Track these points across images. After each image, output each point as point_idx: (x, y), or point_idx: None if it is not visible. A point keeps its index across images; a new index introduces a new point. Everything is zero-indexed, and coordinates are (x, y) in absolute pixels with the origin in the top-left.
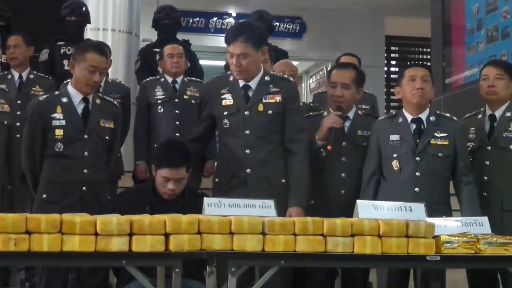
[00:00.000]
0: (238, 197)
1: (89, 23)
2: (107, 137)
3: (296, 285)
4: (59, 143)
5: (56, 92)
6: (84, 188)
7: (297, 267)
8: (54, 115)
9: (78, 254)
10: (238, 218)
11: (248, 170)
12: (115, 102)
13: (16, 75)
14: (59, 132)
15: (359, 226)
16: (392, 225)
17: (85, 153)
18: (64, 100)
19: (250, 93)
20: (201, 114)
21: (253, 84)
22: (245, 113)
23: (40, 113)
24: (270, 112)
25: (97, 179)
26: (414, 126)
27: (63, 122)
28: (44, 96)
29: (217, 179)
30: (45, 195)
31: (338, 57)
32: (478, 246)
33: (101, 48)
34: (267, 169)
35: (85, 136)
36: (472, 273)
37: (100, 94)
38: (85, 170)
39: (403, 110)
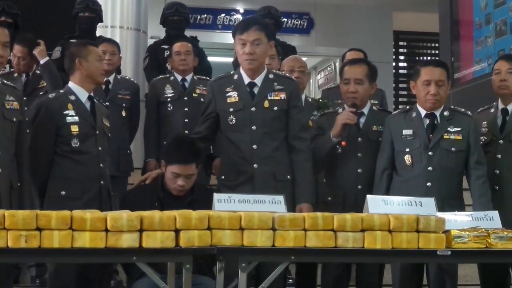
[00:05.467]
0: (245, 193)
1: (102, 21)
2: (109, 134)
3: (309, 280)
4: (75, 139)
5: (61, 91)
6: (102, 182)
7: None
8: (67, 112)
9: (89, 251)
10: (248, 214)
11: (255, 165)
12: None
13: (23, 74)
14: (74, 128)
15: (369, 221)
16: (402, 220)
17: (99, 148)
18: (72, 97)
19: (255, 90)
20: (203, 113)
21: (258, 81)
22: (252, 109)
23: (53, 110)
24: (275, 108)
25: (107, 173)
26: (427, 121)
27: (76, 119)
28: (53, 94)
29: (223, 177)
30: (64, 192)
31: (344, 53)
32: (489, 241)
33: (95, 39)
34: (273, 165)
35: (97, 132)
36: (483, 267)
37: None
38: (101, 165)
39: (417, 105)
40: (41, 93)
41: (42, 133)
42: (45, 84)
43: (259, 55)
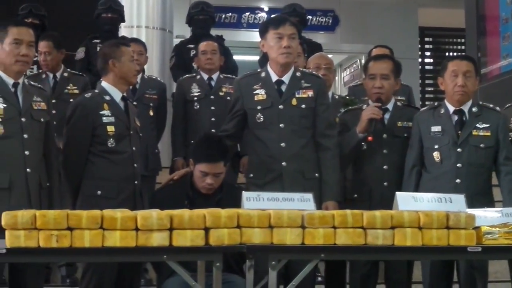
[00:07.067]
0: (273, 191)
1: (124, 21)
2: (141, 134)
3: (338, 277)
4: (111, 139)
5: (96, 91)
6: (135, 182)
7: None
8: (103, 112)
9: (119, 250)
10: (277, 212)
11: (283, 163)
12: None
13: (50, 75)
14: (110, 129)
15: (399, 218)
16: (432, 216)
17: (133, 148)
18: (107, 97)
19: (283, 88)
20: (230, 111)
21: (286, 79)
22: (279, 107)
23: (89, 110)
24: (303, 106)
25: (139, 173)
26: (456, 118)
27: (112, 119)
28: (89, 94)
29: (251, 175)
30: (100, 192)
31: (370, 50)
32: None
33: (123, 39)
34: (302, 163)
35: (131, 132)
36: None
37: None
38: (135, 165)
39: (445, 101)
40: (71, 100)
41: (78, 133)
42: (73, 88)
43: (295, 49)
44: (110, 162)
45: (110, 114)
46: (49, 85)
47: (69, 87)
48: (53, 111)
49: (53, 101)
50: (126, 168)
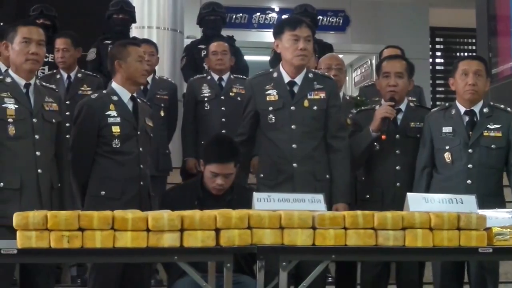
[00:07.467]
0: (284, 192)
1: (135, 22)
2: (151, 134)
3: (349, 278)
4: (116, 139)
5: (104, 91)
6: (141, 183)
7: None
8: (109, 112)
9: (131, 251)
10: (288, 213)
11: (294, 165)
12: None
13: (64, 75)
14: (115, 129)
15: (410, 219)
16: (443, 217)
17: (140, 148)
18: (115, 98)
19: (295, 89)
20: (244, 112)
21: (298, 80)
22: (291, 108)
23: (95, 110)
24: (315, 108)
25: (147, 174)
26: (467, 118)
27: (118, 119)
28: (96, 95)
29: (262, 175)
30: (103, 192)
31: (382, 50)
32: None
33: (134, 40)
34: (313, 164)
35: (138, 132)
36: None
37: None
38: (141, 165)
39: (456, 102)
40: None
41: (84, 133)
42: (86, 89)
43: (310, 52)
44: (115, 163)
45: (116, 115)
46: (63, 85)
47: (83, 88)
48: (67, 113)
49: (67, 102)
50: (132, 169)
